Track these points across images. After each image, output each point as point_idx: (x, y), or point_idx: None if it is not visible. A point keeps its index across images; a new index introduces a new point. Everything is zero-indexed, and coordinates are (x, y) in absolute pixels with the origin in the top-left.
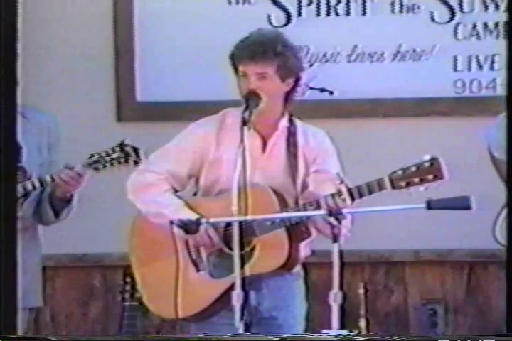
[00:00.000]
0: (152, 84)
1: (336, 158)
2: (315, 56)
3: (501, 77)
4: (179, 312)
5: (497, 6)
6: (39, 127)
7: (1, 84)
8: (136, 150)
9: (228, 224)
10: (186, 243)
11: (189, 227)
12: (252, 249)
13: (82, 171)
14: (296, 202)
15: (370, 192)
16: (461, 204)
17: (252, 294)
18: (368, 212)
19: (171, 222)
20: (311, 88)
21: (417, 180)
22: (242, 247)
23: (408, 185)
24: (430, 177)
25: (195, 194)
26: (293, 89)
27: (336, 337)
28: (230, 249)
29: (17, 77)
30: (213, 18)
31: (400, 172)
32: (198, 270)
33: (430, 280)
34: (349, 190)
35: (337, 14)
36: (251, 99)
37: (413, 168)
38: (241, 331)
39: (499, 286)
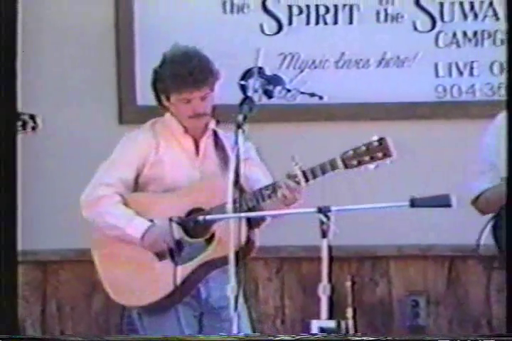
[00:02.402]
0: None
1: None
2: (305, 63)
3: (498, 81)
4: (144, 300)
5: (476, 16)
6: None
7: (1, 86)
8: (33, 117)
9: (188, 215)
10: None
11: (186, 224)
12: (212, 236)
13: None
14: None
15: (324, 173)
16: (442, 202)
17: (202, 288)
18: (354, 210)
19: (170, 219)
20: (302, 93)
21: (367, 158)
22: (201, 235)
23: (359, 163)
24: (380, 155)
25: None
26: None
27: (335, 336)
28: (191, 237)
29: (17, 79)
30: (210, 25)
31: (351, 152)
32: (160, 259)
33: (413, 273)
34: (303, 172)
35: (325, 23)
36: (245, 104)
37: (363, 148)
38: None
39: (477, 279)
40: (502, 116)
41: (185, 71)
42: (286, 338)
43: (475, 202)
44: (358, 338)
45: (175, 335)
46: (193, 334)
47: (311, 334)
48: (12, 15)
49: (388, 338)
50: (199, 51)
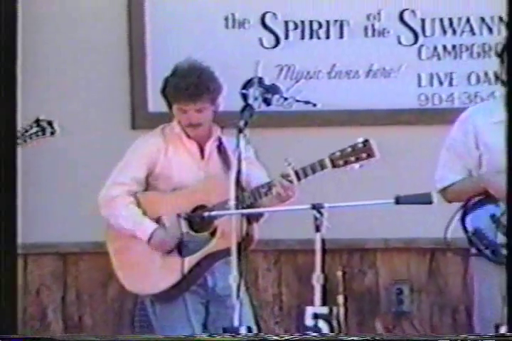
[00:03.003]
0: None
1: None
2: (300, 73)
3: (475, 90)
4: (153, 288)
5: (454, 31)
6: None
7: (1, 86)
8: (50, 123)
9: (193, 211)
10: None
11: (192, 219)
12: (215, 231)
13: None
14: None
15: (314, 172)
16: (424, 199)
17: (208, 278)
18: (345, 207)
19: (178, 215)
20: (298, 101)
21: (353, 158)
22: (205, 230)
23: (346, 163)
24: (364, 155)
25: (145, 189)
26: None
27: (337, 336)
28: (195, 231)
29: (17, 79)
30: (214, 39)
31: (338, 153)
32: (168, 252)
33: (398, 264)
34: (295, 172)
35: (319, 37)
36: (246, 110)
37: (349, 149)
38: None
39: (456, 269)
40: (465, 114)
41: (182, 85)
42: (284, 338)
43: (443, 191)
44: (347, 338)
45: (180, 334)
46: (196, 335)
47: (306, 334)
48: (12, 15)
49: (377, 338)
50: (204, 68)
